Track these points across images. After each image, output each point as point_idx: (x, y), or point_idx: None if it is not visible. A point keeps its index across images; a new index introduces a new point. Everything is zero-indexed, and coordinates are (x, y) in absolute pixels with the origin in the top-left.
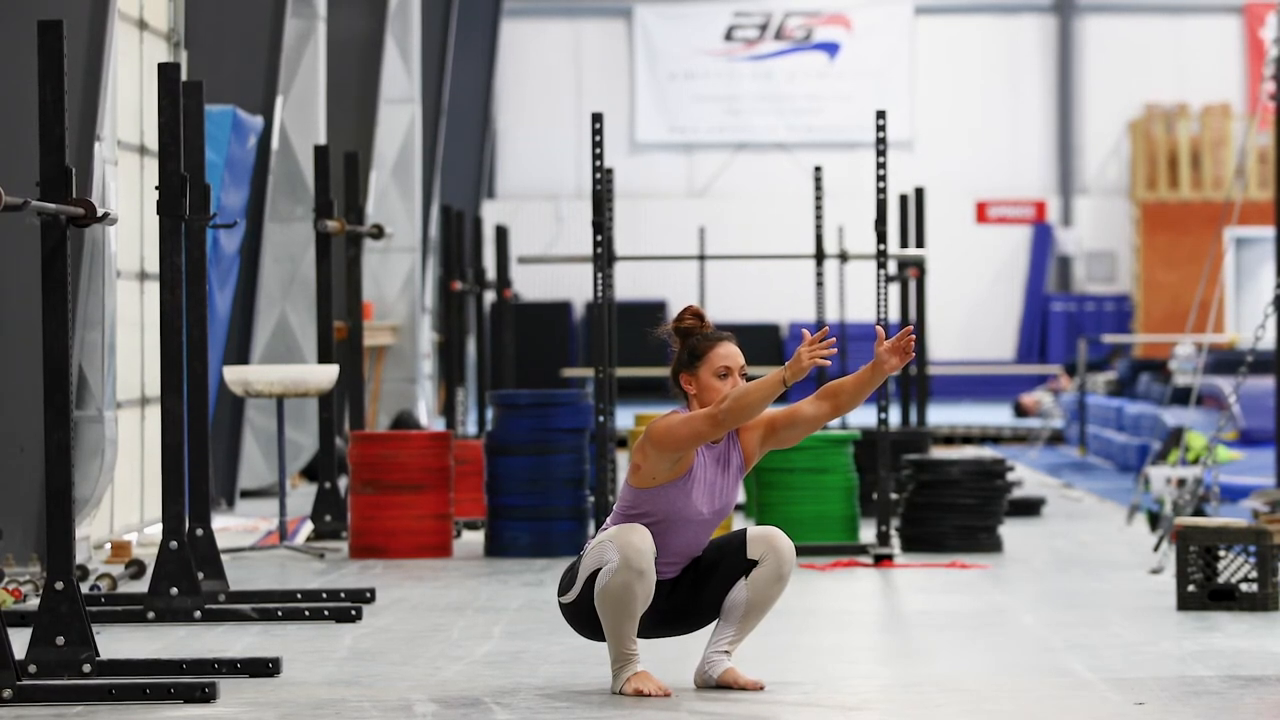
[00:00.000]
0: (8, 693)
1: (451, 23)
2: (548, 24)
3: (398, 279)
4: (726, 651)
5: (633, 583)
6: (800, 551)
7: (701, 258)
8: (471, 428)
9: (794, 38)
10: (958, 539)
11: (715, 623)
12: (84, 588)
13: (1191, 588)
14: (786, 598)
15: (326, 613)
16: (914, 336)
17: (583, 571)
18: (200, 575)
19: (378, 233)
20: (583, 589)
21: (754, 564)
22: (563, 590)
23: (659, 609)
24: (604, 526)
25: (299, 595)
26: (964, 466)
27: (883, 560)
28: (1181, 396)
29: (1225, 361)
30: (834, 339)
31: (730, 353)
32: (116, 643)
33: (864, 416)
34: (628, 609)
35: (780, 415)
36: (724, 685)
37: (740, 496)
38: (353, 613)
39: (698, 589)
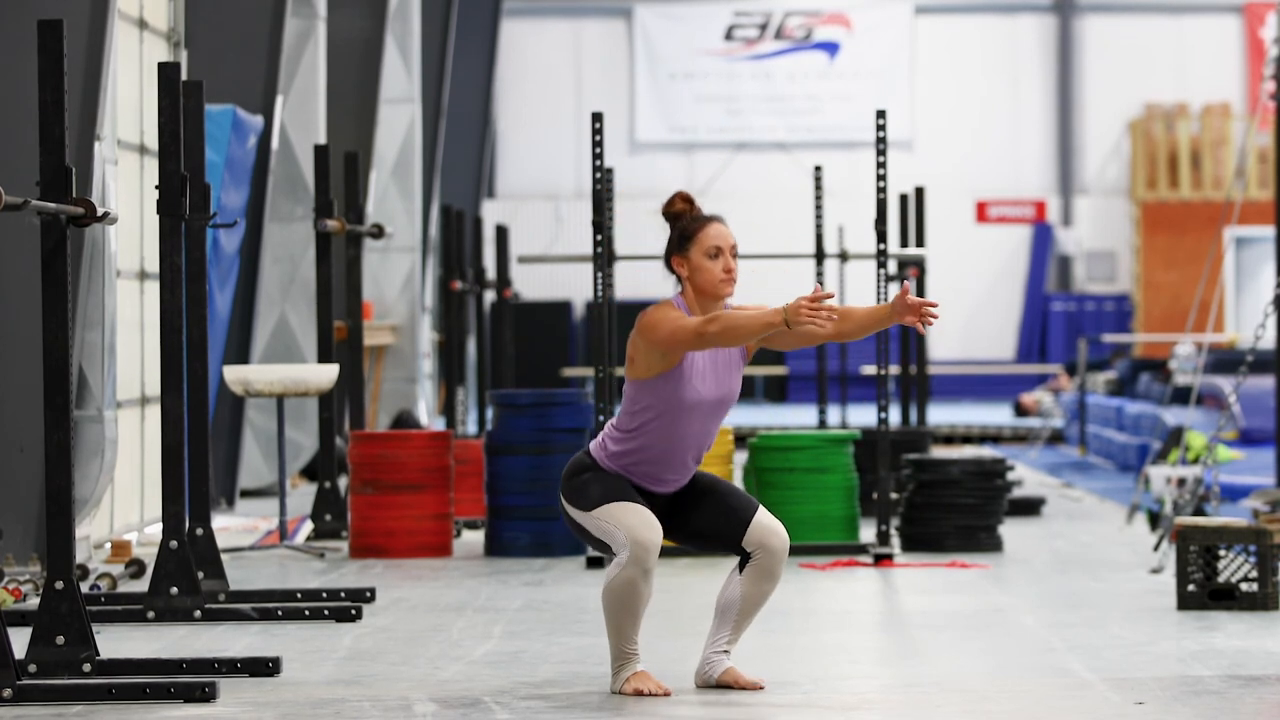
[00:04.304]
0: (8, 692)
1: (451, 23)
2: (548, 24)
3: (398, 279)
4: (725, 651)
5: (637, 581)
6: (800, 551)
7: None
8: (471, 427)
9: (794, 37)
10: (958, 539)
11: (711, 622)
12: (84, 587)
13: (1191, 587)
14: (787, 597)
15: (326, 612)
16: (937, 315)
17: (595, 522)
18: (200, 575)
19: (378, 232)
20: (594, 529)
21: (748, 556)
22: (570, 499)
23: (659, 513)
24: (608, 430)
25: (299, 595)
26: (964, 466)
27: (883, 560)
28: (1181, 396)
29: (1225, 361)
30: (833, 307)
31: (721, 232)
32: (116, 642)
33: (864, 416)
34: (631, 608)
35: None
36: (724, 685)
37: None
38: (353, 612)
39: (692, 517)
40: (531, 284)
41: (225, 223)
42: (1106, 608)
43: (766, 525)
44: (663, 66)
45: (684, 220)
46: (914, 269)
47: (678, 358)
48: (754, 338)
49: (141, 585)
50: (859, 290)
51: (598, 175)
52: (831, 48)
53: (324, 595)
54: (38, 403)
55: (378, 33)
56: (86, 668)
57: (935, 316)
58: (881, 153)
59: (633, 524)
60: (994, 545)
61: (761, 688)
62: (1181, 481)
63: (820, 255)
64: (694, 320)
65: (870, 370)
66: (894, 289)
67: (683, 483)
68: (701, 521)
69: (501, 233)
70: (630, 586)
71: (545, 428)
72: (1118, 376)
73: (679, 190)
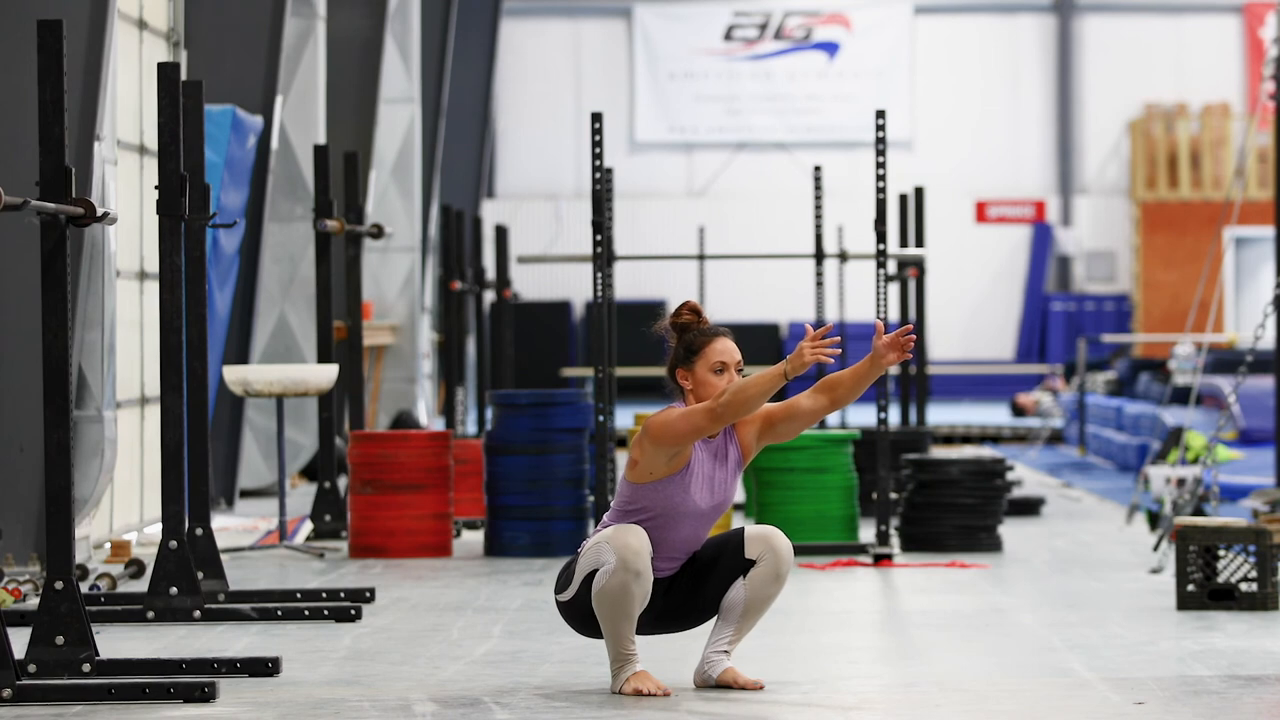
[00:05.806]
0: (7, 692)
1: (451, 23)
2: (548, 24)
3: (397, 279)
4: (725, 651)
5: (630, 584)
6: (800, 551)
7: (701, 257)
8: (471, 427)
9: (794, 37)
10: (957, 539)
11: (714, 622)
12: (84, 587)
13: (1191, 587)
14: (787, 597)
15: (326, 612)
16: (914, 336)
17: (580, 571)
18: (200, 575)
19: (377, 232)
20: (580, 588)
21: (752, 563)
22: (560, 588)
23: (657, 607)
24: (602, 523)
25: (298, 595)
26: (964, 466)
27: (882, 560)
28: (1181, 396)
29: (1225, 361)
30: (837, 337)
31: (726, 348)
32: (116, 642)
33: (864, 416)
34: (625, 610)
35: (778, 409)
36: (723, 685)
37: (740, 496)
38: (352, 612)
39: (696, 586)
40: (531, 284)
41: (225, 223)
42: (1106, 607)
43: (765, 530)
44: (662, 66)
45: (691, 333)
46: (913, 269)
47: (683, 460)
48: (765, 396)
49: (141, 585)
50: (859, 290)
51: (597, 175)
52: (831, 48)
53: (324, 595)
54: (38, 403)
55: (377, 32)
56: (86, 668)
57: (913, 339)
58: (881, 153)
59: (614, 535)
60: (994, 545)
61: (761, 688)
62: (1181, 481)
63: (820, 255)
64: (702, 404)
65: None
66: (893, 289)
67: (673, 571)
68: (695, 565)
69: (501, 233)
70: (622, 590)
71: (545, 428)
72: (1117, 376)
73: (687, 300)
